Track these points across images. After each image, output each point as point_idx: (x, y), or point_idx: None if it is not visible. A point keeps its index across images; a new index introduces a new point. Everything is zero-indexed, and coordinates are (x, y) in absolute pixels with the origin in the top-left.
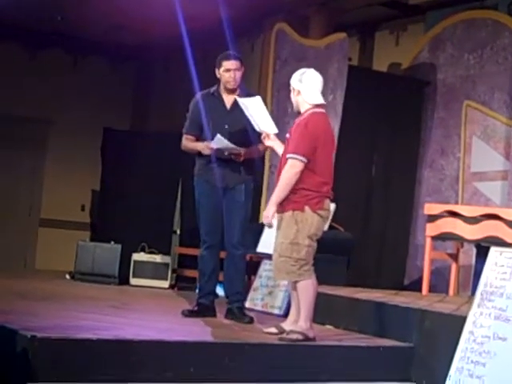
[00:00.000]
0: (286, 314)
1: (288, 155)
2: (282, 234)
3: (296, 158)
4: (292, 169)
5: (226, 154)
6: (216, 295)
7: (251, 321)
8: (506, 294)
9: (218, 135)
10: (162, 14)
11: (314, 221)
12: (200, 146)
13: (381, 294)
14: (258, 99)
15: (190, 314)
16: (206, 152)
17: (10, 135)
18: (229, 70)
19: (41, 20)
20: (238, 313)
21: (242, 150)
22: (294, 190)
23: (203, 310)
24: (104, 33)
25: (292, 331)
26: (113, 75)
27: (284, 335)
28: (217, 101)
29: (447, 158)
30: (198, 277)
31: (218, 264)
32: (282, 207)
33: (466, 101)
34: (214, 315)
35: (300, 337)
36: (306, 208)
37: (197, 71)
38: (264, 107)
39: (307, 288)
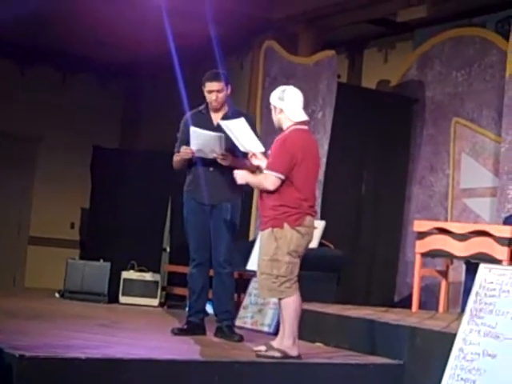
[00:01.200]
0: (275, 332)
1: (265, 171)
2: (263, 251)
3: (272, 175)
4: (267, 183)
5: (212, 156)
6: (206, 313)
7: (241, 339)
8: (495, 310)
9: (191, 127)
10: (151, 32)
11: (294, 237)
12: (181, 153)
13: (371, 311)
14: (241, 121)
15: (179, 332)
16: (187, 154)
17: None
18: (211, 92)
19: (30, 36)
20: (228, 331)
21: (222, 135)
22: (273, 207)
23: (193, 328)
24: (93, 50)
25: (271, 348)
26: (102, 92)
27: (262, 352)
28: (204, 118)
29: (436, 175)
30: (188, 295)
31: (207, 282)
32: (262, 225)
33: (454, 118)
34: (204, 333)
35: (277, 354)
36: (285, 225)
37: (186, 89)
38: (248, 127)
39: (288, 305)
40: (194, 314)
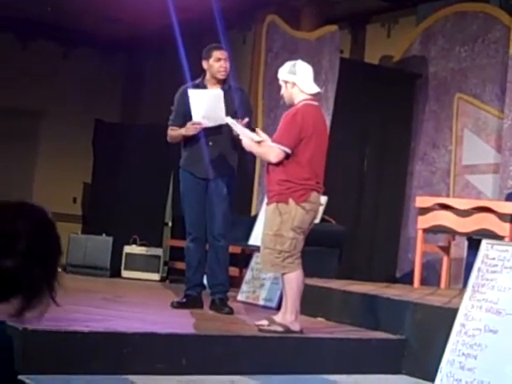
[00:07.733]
0: (278, 307)
1: (271, 143)
2: (267, 225)
3: (277, 147)
4: (271, 155)
5: (218, 123)
6: (203, 286)
7: (231, 312)
8: (497, 286)
9: (189, 90)
10: (153, 6)
11: (298, 213)
12: (182, 129)
13: (372, 286)
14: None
15: (178, 305)
16: (190, 131)
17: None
18: (219, 60)
19: (32, 10)
20: (219, 303)
21: (221, 92)
22: (279, 182)
23: (191, 302)
24: (95, 24)
25: (274, 323)
26: (103, 67)
27: (265, 326)
28: None
29: (439, 151)
30: (186, 268)
31: (204, 256)
32: (268, 199)
33: (457, 93)
34: (201, 306)
35: (280, 329)
36: (290, 200)
37: (188, 62)
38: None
39: (291, 281)
40: (191, 287)
